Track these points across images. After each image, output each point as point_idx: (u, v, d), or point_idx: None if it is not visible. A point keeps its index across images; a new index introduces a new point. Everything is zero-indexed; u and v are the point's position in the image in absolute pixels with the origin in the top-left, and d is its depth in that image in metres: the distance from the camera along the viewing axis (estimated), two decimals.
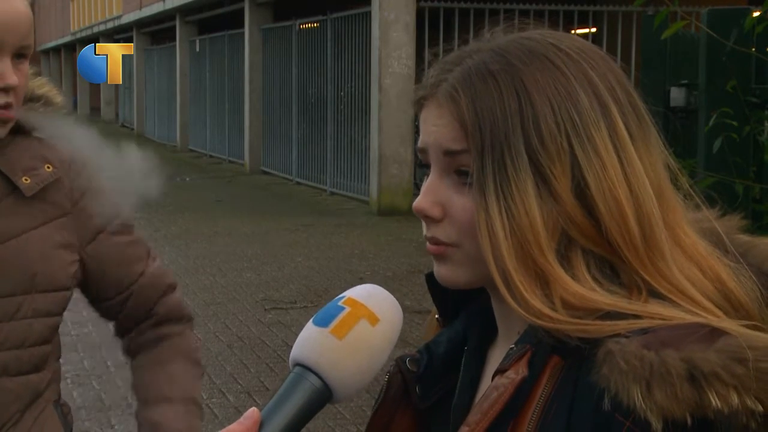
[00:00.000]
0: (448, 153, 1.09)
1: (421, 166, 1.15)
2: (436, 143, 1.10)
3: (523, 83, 1.06)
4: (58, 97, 2.05)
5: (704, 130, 5.68)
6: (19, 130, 1.98)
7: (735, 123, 5.45)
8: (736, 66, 5.57)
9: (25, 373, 1.96)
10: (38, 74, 2.05)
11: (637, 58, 10.22)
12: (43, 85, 2.04)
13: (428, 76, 1.13)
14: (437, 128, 1.09)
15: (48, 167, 1.99)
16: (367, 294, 1.12)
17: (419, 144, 1.13)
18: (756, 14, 5.50)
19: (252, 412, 1.06)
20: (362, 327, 1.09)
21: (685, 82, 6.39)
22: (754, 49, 5.62)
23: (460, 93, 1.07)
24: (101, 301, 2.13)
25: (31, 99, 2.00)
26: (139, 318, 2.15)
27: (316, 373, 1.07)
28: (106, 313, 2.18)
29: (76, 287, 2.06)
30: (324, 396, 1.08)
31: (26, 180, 1.95)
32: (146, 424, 2.09)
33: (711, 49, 5.70)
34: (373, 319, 1.09)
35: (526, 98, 1.05)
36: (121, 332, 2.21)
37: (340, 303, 1.10)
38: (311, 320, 1.10)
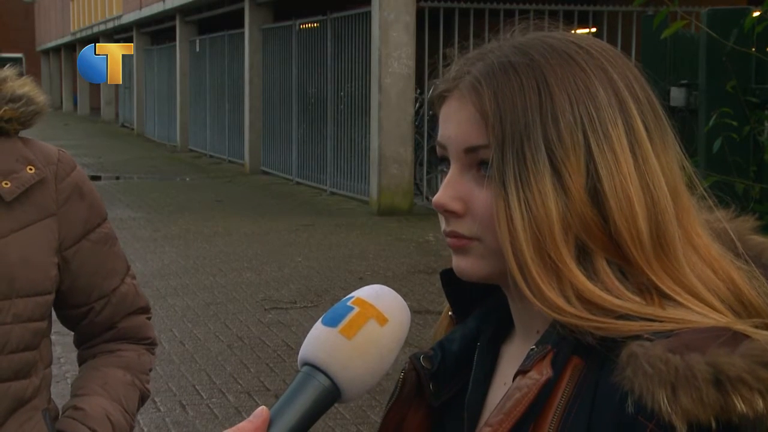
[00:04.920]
0: (470, 149, 1.09)
1: (439, 162, 1.15)
2: (458, 139, 1.10)
3: (544, 77, 1.07)
4: (39, 97, 2.02)
5: (704, 130, 5.68)
6: (1, 132, 1.96)
7: (735, 123, 5.45)
8: (736, 66, 5.57)
9: (5, 380, 1.92)
10: (22, 74, 2.03)
11: (637, 58, 10.21)
12: (25, 85, 2.01)
13: (450, 71, 1.14)
14: (459, 123, 1.10)
15: (30, 169, 1.95)
16: (376, 294, 1.12)
17: (439, 138, 1.13)
18: (756, 14, 5.50)
19: (261, 411, 1.07)
20: (371, 327, 1.09)
21: (685, 82, 6.38)
22: (754, 49, 5.62)
23: (483, 85, 1.08)
24: (67, 308, 2.07)
25: (12, 99, 1.97)
26: (99, 331, 2.10)
27: (325, 373, 1.08)
28: (67, 321, 2.12)
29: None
30: (332, 395, 1.09)
31: (6, 184, 1.92)
32: (67, 409, 2.02)
33: (711, 49, 5.69)
34: (382, 320, 1.10)
35: (546, 92, 1.06)
36: (79, 342, 2.16)
37: (348, 303, 1.11)
38: (320, 320, 1.11)
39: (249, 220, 12.51)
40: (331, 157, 15.48)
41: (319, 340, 1.09)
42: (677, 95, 6.31)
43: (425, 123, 14.16)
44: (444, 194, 1.11)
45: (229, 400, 5.75)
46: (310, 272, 9.29)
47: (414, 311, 6.73)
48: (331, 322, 1.09)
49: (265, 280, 9.01)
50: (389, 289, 1.14)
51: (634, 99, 1.08)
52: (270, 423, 1.06)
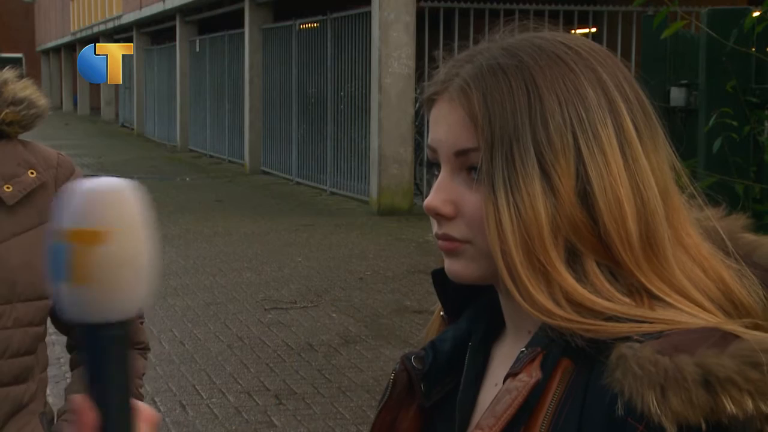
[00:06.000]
0: (460, 153, 1.09)
1: (430, 165, 1.15)
2: (447, 142, 1.10)
3: (533, 78, 1.06)
4: (41, 100, 2.01)
5: (704, 130, 5.68)
6: (2, 135, 1.96)
7: (735, 123, 5.45)
8: (736, 66, 5.58)
9: (5, 384, 1.92)
10: (22, 76, 2.03)
11: (637, 58, 10.22)
12: (26, 88, 2.00)
13: (439, 74, 1.13)
14: (449, 126, 1.10)
15: (32, 173, 1.95)
16: (82, 211, 0.93)
17: (429, 142, 1.13)
18: (756, 14, 5.50)
19: (82, 408, 0.95)
20: (99, 254, 0.92)
21: (685, 82, 6.39)
22: (754, 49, 5.62)
23: (472, 87, 1.08)
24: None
25: (14, 102, 1.97)
26: None
27: (97, 324, 0.94)
28: (61, 326, 2.11)
29: None
30: (120, 333, 0.96)
31: (8, 188, 1.91)
32: (64, 412, 2.01)
33: (711, 49, 5.70)
34: (104, 237, 0.92)
35: (535, 93, 1.06)
36: (73, 347, 2.15)
37: (60, 242, 0.93)
38: (50, 273, 0.94)
39: (249, 220, 12.51)
40: (331, 157, 15.48)
41: (66, 300, 0.94)
42: (677, 95, 6.33)
43: (425, 123, 14.16)
44: (435, 198, 1.10)
45: (229, 400, 5.75)
46: (310, 272, 9.29)
47: (414, 311, 6.75)
48: (60, 275, 0.93)
49: (265, 280, 9.01)
50: (97, 187, 0.94)
51: (623, 99, 1.08)
52: (97, 405, 0.95)
